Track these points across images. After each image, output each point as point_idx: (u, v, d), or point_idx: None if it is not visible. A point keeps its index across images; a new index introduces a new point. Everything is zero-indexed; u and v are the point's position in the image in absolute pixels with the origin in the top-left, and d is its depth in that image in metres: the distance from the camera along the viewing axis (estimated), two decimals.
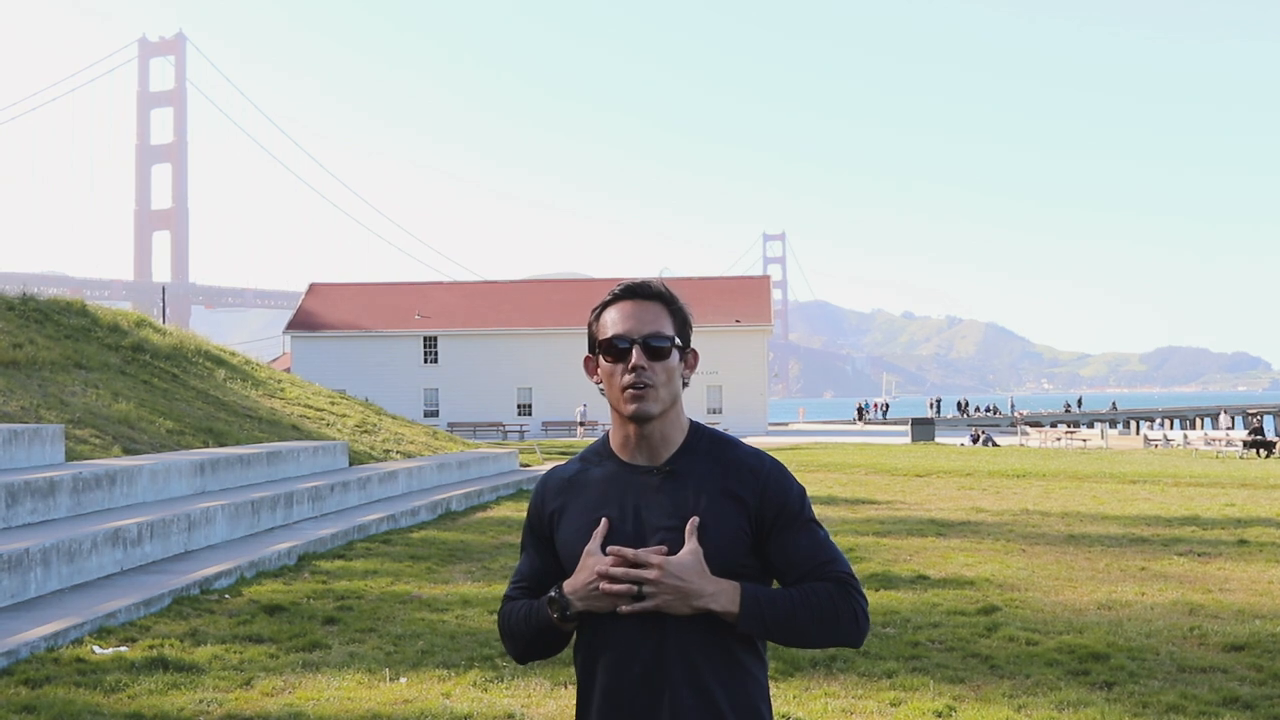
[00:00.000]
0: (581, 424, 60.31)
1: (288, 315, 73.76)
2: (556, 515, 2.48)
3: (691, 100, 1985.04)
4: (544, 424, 63.53)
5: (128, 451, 15.91)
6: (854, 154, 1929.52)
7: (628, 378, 2.37)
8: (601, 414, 63.22)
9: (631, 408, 2.37)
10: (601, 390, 2.49)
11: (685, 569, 2.28)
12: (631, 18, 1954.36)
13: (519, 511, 18.47)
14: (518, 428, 61.87)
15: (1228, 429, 54.24)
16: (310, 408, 26.61)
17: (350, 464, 20.98)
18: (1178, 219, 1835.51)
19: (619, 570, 2.29)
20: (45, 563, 9.69)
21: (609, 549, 2.32)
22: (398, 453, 24.84)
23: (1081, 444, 46.65)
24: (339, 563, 12.44)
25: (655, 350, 2.39)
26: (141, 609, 9.34)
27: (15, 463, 12.93)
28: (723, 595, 2.30)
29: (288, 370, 45.51)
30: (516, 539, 14.78)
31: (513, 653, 2.52)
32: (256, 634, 8.72)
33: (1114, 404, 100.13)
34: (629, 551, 2.30)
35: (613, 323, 2.42)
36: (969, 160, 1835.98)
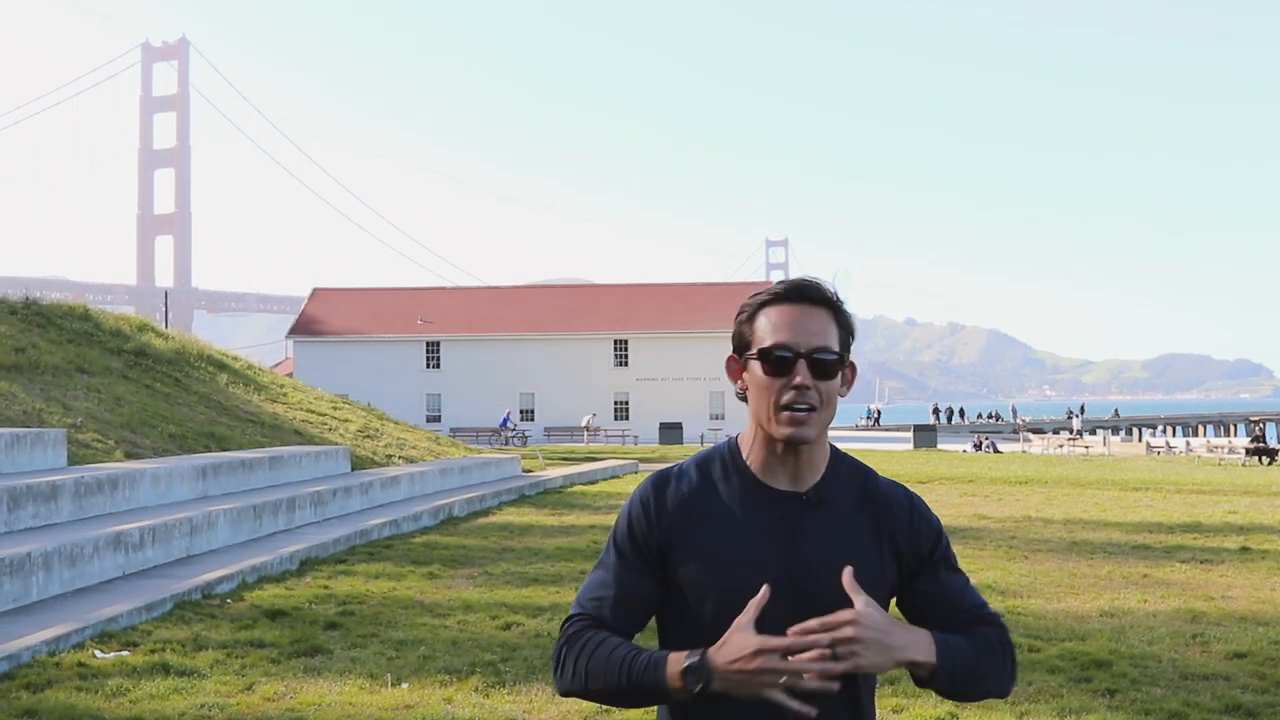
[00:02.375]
0: (588, 429, 60.26)
1: (290, 320, 73.80)
2: (680, 536, 2.12)
3: (694, 104, 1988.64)
4: (546, 429, 63.50)
5: (130, 456, 15.91)
6: (857, 159, 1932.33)
7: (788, 396, 2.07)
8: (608, 420, 63.30)
9: (787, 431, 2.07)
10: (740, 395, 2.19)
11: (880, 619, 1.97)
12: (634, 21, 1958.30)
13: (521, 516, 18.46)
14: (520, 433, 61.87)
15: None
16: (313, 412, 26.62)
17: (352, 469, 20.98)
18: (1180, 225, 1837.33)
19: (812, 636, 1.91)
20: (47, 567, 9.69)
21: (797, 628, 1.93)
22: (400, 458, 24.84)
23: (1084, 451, 46.62)
24: (341, 567, 12.44)
25: (822, 367, 2.08)
26: (143, 613, 9.34)
27: (18, 466, 12.94)
28: (920, 644, 2.02)
29: (290, 375, 45.54)
30: (519, 544, 14.74)
31: (573, 687, 2.10)
32: (258, 639, 8.72)
33: (1116, 411, 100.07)
34: (814, 622, 1.93)
35: (775, 327, 2.10)
36: (972, 165, 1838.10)
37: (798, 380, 2.07)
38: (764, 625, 1.99)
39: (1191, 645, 8.69)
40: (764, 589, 1.98)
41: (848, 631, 1.93)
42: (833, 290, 2.15)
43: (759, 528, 2.11)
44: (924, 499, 2.28)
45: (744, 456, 2.17)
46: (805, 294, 2.12)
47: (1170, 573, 12.32)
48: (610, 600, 2.14)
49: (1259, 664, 8.05)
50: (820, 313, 2.11)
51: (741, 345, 2.16)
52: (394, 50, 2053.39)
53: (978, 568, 12.57)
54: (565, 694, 2.12)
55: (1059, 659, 8.14)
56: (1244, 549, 14.13)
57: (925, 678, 2.05)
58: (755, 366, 2.12)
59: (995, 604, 10.32)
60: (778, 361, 2.08)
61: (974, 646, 2.09)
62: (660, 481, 2.18)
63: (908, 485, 2.33)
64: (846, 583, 2.01)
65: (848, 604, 2.01)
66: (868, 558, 2.12)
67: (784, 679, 1.89)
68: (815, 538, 2.11)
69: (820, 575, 2.08)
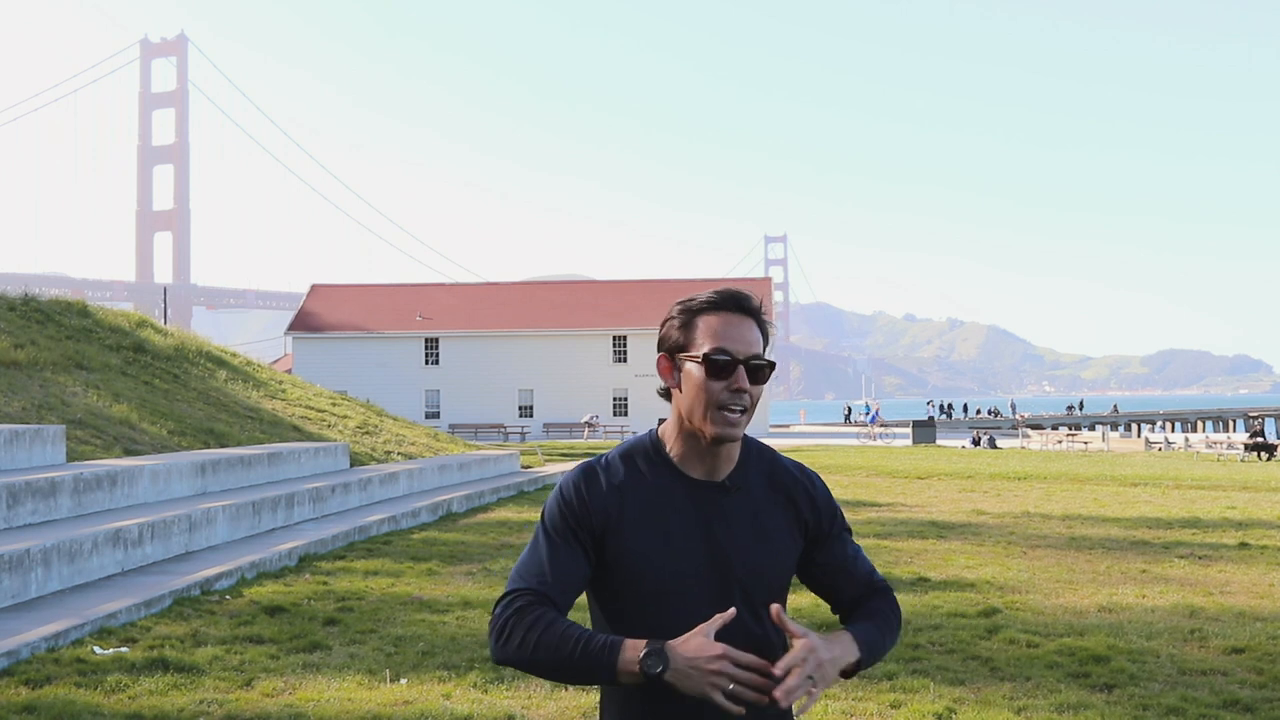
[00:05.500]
0: (590, 425, 60.22)
1: (289, 316, 73.80)
2: (614, 520, 2.27)
3: (692, 101, 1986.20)
4: (545, 426, 63.52)
5: (129, 452, 15.91)
6: (856, 156, 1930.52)
7: (725, 397, 2.23)
8: (607, 416, 63.25)
9: (719, 430, 2.23)
10: (662, 392, 2.35)
11: (821, 643, 2.17)
12: (633, 17, 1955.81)
13: (520, 514, 18.46)
14: (519, 429, 61.87)
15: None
16: (311, 409, 26.62)
17: (351, 465, 20.99)
18: (1179, 221, 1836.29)
19: (794, 680, 2.07)
20: (46, 563, 9.70)
21: (773, 667, 2.09)
22: (399, 454, 24.84)
23: (1083, 446, 46.63)
24: (340, 564, 12.44)
25: (756, 374, 2.25)
26: (142, 610, 9.35)
27: (17, 463, 12.94)
28: (848, 648, 2.23)
29: (289, 371, 45.52)
30: (518, 540, 14.75)
31: (516, 656, 2.17)
32: (257, 635, 8.73)
33: (1115, 407, 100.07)
34: (781, 665, 2.09)
35: (715, 333, 2.25)
36: (972, 162, 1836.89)
37: (737, 384, 2.24)
38: (691, 600, 2.23)
39: (1190, 641, 8.69)
40: (731, 611, 2.14)
41: (807, 669, 2.10)
42: (759, 302, 2.32)
43: (683, 514, 2.28)
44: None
45: (666, 449, 2.34)
46: (741, 304, 2.28)
47: (1169, 568, 12.33)
48: (549, 580, 2.24)
49: (1257, 659, 8.05)
50: (752, 323, 2.29)
51: (676, 347, 2.30)
52: (394, 47, 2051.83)
53: (976, 563, 12.58)
54: (503, 662, 2.20)
55: (1057, 654, 8.15)
56: (1242, 544, 14.14)
57: (851, 670, 2.24)
58: (693, 368, 2.26)
59: (993, 599, 10.34)
60: (722, 366, 2.23)
61: (879, 627, 2.34)
62: (589, 471, 2.34)
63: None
64: (779, 620, 2.18)
65: (763, 581, 2.29)
66: (780, 534, 2.34)
67: (731, 686, 2.05)
68: (733, 522, 2.30)
69: (739, 555, 2.29)
